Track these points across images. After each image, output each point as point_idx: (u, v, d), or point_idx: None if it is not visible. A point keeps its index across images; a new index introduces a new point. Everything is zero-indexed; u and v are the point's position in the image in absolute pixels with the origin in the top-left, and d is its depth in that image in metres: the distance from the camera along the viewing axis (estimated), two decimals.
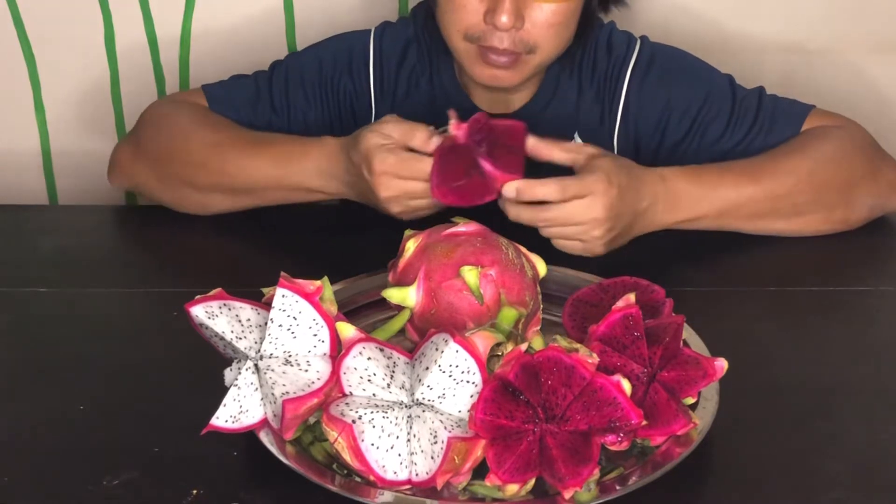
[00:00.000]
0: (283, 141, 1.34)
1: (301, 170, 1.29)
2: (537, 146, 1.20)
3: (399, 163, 1.20)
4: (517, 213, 1.18)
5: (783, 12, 1.72)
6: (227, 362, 0.93)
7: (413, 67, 1.41)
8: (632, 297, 0.93)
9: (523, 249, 1.02)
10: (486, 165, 1.19)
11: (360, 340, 0.89)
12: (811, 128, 1.34)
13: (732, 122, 1.34)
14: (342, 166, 1.26)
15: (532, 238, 1.06)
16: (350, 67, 1.42)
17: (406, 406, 0.88)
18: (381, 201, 1.22)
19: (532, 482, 0.85)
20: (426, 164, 1.20)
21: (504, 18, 1.23)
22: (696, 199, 1.25)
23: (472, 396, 0.86)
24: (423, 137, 1.21)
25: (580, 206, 1.16)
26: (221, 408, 0.88)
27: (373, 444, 0.85)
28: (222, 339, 0.91)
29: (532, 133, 1.23)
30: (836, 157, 1.30)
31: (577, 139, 1.39)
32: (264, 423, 0.89)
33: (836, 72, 1.74)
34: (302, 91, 1.41)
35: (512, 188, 1.16)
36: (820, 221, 1.29)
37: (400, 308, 0.99)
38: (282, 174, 1.30)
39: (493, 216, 1.11)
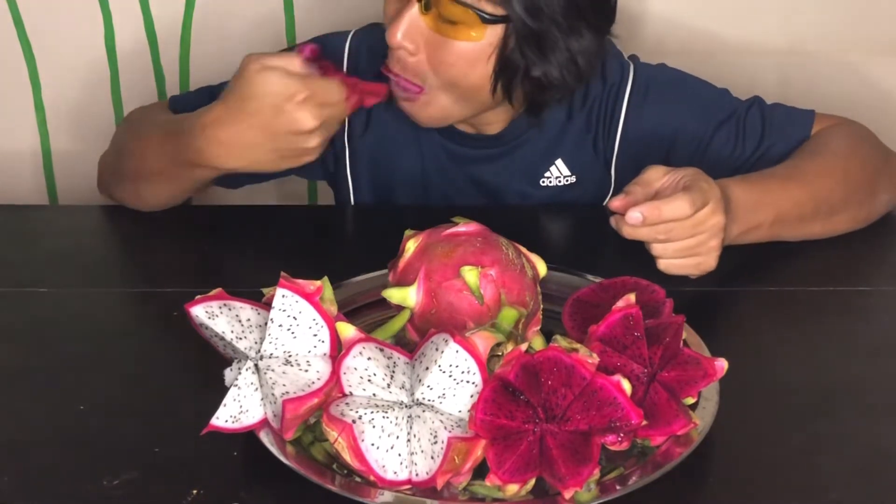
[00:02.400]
0: (179, 117, 1.30)
1: (185, 143, 1.23)
2: (625, 202, 1.11)
3: (321, 87, 1.16)
4: (633, 232, 1.10)
5: (780, 15, 1.72)
6: (227, 362, 0.93)
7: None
8: (632, 297, 0.93)
9: (523, 249, 1.02)
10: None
11: (360, 340, 0.89)
12: (823, 129, 1.34)
13: (740, 134, 1.33)
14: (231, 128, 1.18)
15: (532, 238, 1.06)
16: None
17: (406, 406, 0.88)
18: (306, 135, 1.16)
19: (532, 482, 0.85)
20: (335, 86, 1.17)
21: (397, 35, 1.19)
22: (752, 206, 1.20)
23: (472, 396, 0.86)
24: (299, 61, 1.17)
25: (704, 214, 1.10)
26: (221, 408, 0.88)
27: (373, 444, 0.85)
28: (222, 339, 0.91)
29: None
30: (859, 155, 1.30)
31: (561, 166, 1.38)
32: (264, 423, 0.89)
33: (834, 74, 1.74)
34: None
35: (637, 214, 1.09)
36: (849, 220, 1.28)
37: (400, 308, 0.99)
38: (172, 150, 1.25)
39: (493, 216, 1.11)
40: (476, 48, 1.20)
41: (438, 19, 1.19)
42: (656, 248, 1.12)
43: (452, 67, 1.21)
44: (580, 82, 1.26)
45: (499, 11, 1.18)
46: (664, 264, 1.13)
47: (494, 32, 1.19)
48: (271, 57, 1.17)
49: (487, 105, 1.27)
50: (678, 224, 1.10)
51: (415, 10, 1.19)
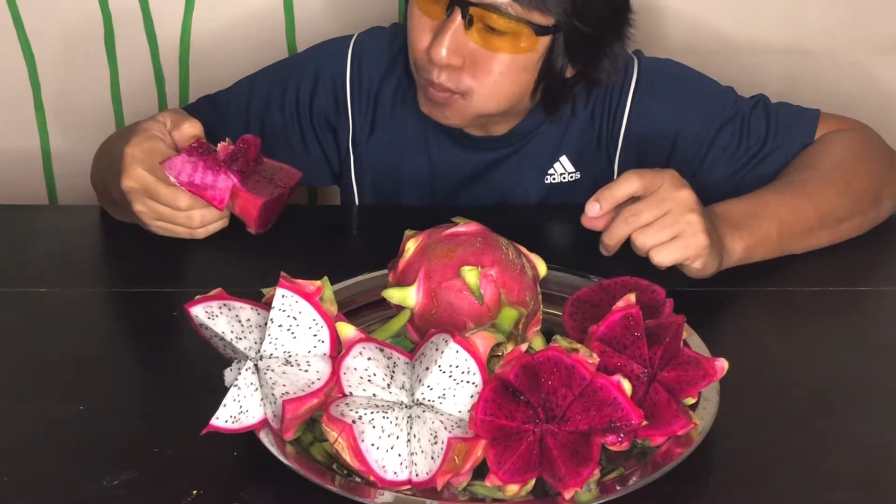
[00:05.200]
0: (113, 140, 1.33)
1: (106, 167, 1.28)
2: (594, 206, 1.11)
3: (149, 149, 1.18)
4: (611, 236, 1.10)
5: (784, 14, 1.72)
6: (227, 362, 0.93)
7: (399, 81, 1.37)
8: (632, 297, 0.93)
9: (523, 249, 1.02)
10: (231, 178, 1.21)
11: (360, 340, 0.89)
12: (827, 133, 1.33)
13: (744, 135, 1.33)
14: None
15: (532, 238, 1.06)
16: (326, 82, 1.38)
17: (406, 406, 0.88)
18: (124, 192, 1.19)
19: (532, 482, 0.85)
20: (168, 153, 1.19)
21: (442, 52, 1.20)
22: (750, 215, 1.19)
23: (472, 397, 0.86)
24: (188, 130, 1.20)
25: (665, 188, 1.09)
26: (221, 408, 0.88)
27: (373, 445, 0.85)
28: (222, 339, 0.91)
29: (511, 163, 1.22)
30: (864, 163, 1.30)
31: (565, 162, 1.38)
32: (264, 423, 0.89)
33: (838, 73, 1.74)
34: (279, 113, 1.38)
35: (593, 203, 1.09)
36: (855, 227, 1.28)
37: (400, 308, 0.99)
38: (101, 177, 1.31)
39: (493, 216, 1.11)
40: (524, 58, 1.22)
41: (485, 33, 1.20)
42: (638, 239, 1.10)
43: (500, 77, 1.22)
44: (613, 78, 1.30)
45: (549, 21, 1.20)
46: (655, 255, 1.10)
47: (543, 41, 1.21)
48: (173, 114, 1.21)
49: (522, 108, 1.30)
50: (641, 204, 1.09)
51: (457, 26, 1.20)
